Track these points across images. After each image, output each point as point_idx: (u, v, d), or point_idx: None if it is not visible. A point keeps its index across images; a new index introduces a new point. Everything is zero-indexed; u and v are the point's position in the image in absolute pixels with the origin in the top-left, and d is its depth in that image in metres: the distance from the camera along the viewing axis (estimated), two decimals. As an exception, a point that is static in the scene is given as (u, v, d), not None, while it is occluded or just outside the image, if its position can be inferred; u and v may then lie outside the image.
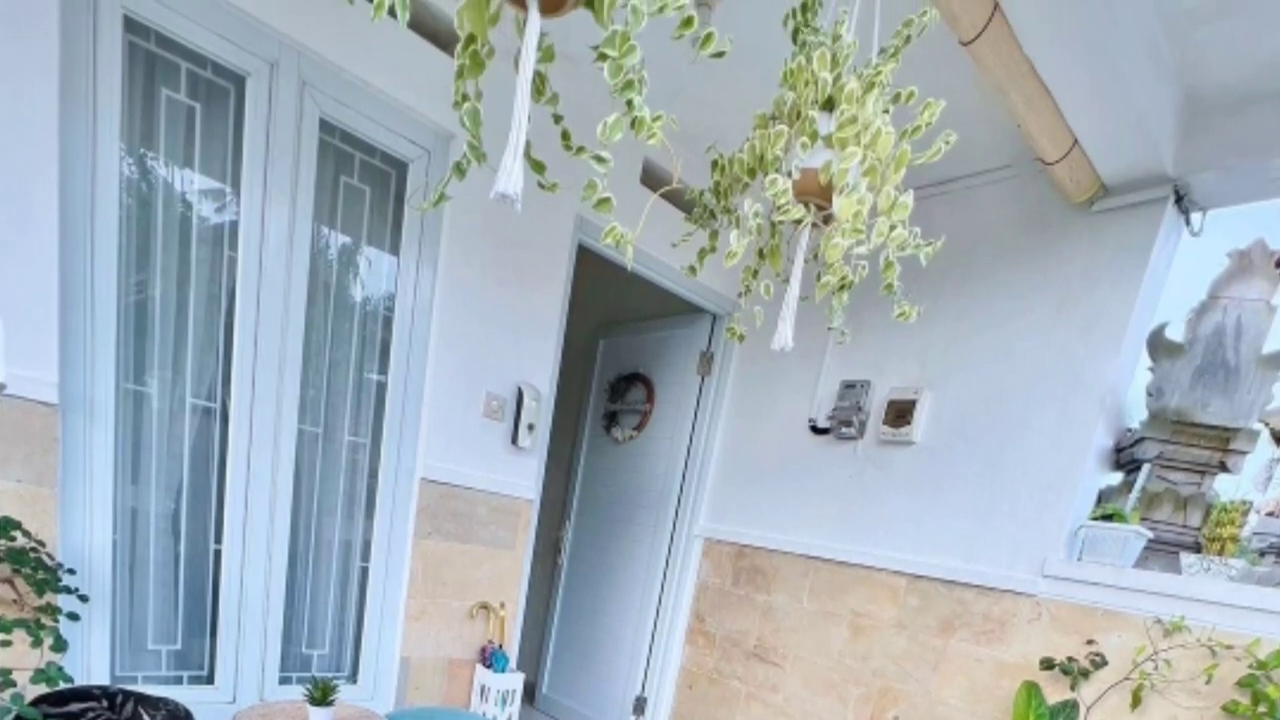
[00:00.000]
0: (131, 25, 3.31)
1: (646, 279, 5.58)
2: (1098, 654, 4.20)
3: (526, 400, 4.86)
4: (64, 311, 3.30)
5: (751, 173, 2.66)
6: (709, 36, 1.87)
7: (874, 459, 5.26)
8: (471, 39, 1.89)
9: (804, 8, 2.51)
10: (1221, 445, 4.18)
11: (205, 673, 4.21)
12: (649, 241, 5.07)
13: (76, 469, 3.50)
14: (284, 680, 4.46)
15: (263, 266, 3.83)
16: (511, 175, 1.73)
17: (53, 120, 3.10)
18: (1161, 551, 4.29)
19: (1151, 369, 4.38)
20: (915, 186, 4.11)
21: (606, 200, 1.99)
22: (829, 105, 2.43)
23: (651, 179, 5.15)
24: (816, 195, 2.48)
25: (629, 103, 1.86)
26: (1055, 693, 4.35)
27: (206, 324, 3.79)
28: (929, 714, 4.94)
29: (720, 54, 1.90)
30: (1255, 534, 4.17)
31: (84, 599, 3.48)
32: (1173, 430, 4.26)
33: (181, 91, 3.52)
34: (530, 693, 7.65)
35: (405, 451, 4.57)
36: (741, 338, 3.18)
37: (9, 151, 3.03)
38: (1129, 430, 4.46)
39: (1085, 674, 4.24)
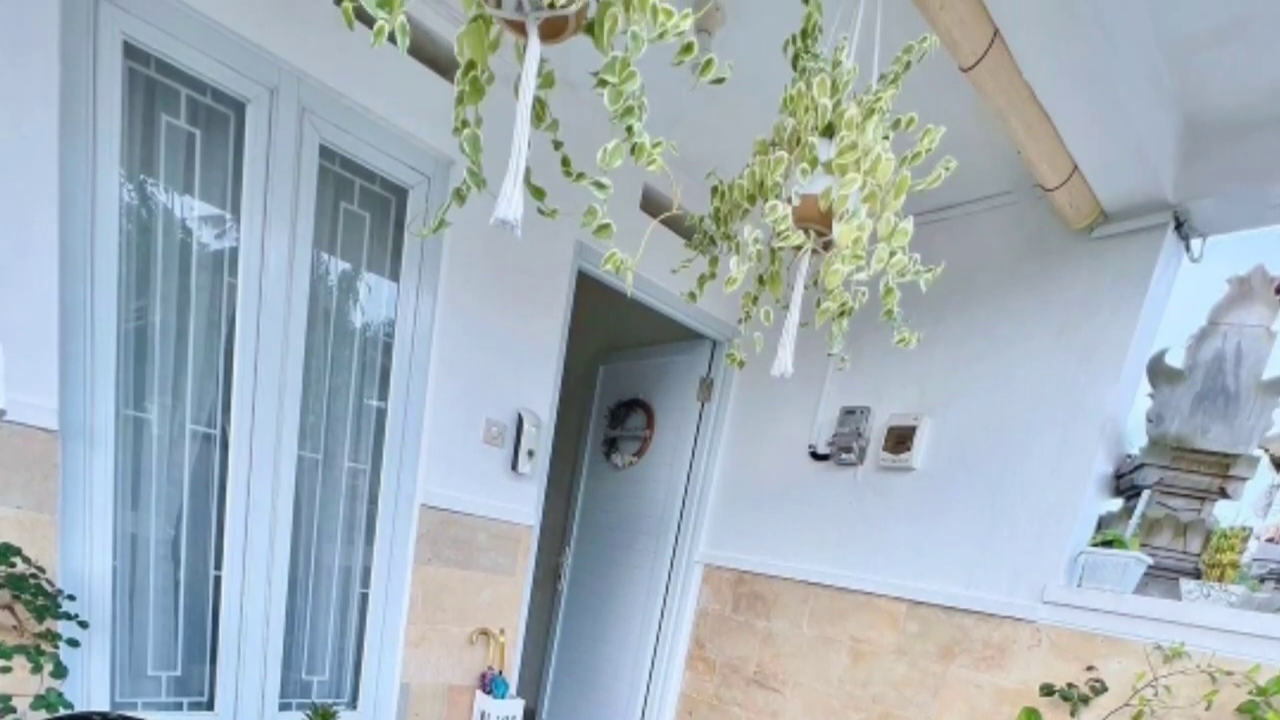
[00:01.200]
0: (131, 51, 3.30)
1: (646, 305, 5.57)
2: (1098, 680, 4.18)
3: (526, 426, 4.85)
4: (64, 337, 3.28)
5: (751, 199, 2.66)
6: (709, 63, 1.87)
7: (874, 485, 5.25)
8: (471, 65, 1.88)
9: (804, 34, 2.51)
10: (1221, 471, 4.17)
11: (205, 699, 4.17)
12: (649, 268, 5.07)
13: (76, 495, 3.48)
14: (284, 706, 4.43)
15: (263, 293, 3.82)
16: (511, 201, 1.73)
17: (53, 146, 3.10)
18: (1161, 578, 4.27)
19: (1151, 395, 4.37)
20: (915, 213, 4.11)
21: (606, 226, 1.98)
22: (829, 131, 2.43)
23: (651, 205, 5.16)
24: (816, 221, 2.48)
25: (629, 129, 1.86)
26: (1055, 719, 4.33)
27: (206, 350, 3.78)
28: (930, 741, 4.92)
29: (720, 80, 1.89)
30: (1255, 560, 4.15)
31: (84, 625, 3.46)
32: (1173, 456, 4.24)
33: (181, 118, 3.51)
34: (530, 719, 7.61)
35: (405, 477, 4.55)
36: (741, 364, 3.17)
37: (9, 178, 3.02)
38: (1129, 456, 4.45)
39: (1085, 700, 4.21)
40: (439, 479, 4.62)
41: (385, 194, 4.21)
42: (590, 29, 1.78)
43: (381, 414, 4.44)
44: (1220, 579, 3.98)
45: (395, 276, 4.32)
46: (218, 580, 4.07)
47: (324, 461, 4.30)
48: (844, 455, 5.30)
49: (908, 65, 2.48)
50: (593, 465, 7.49)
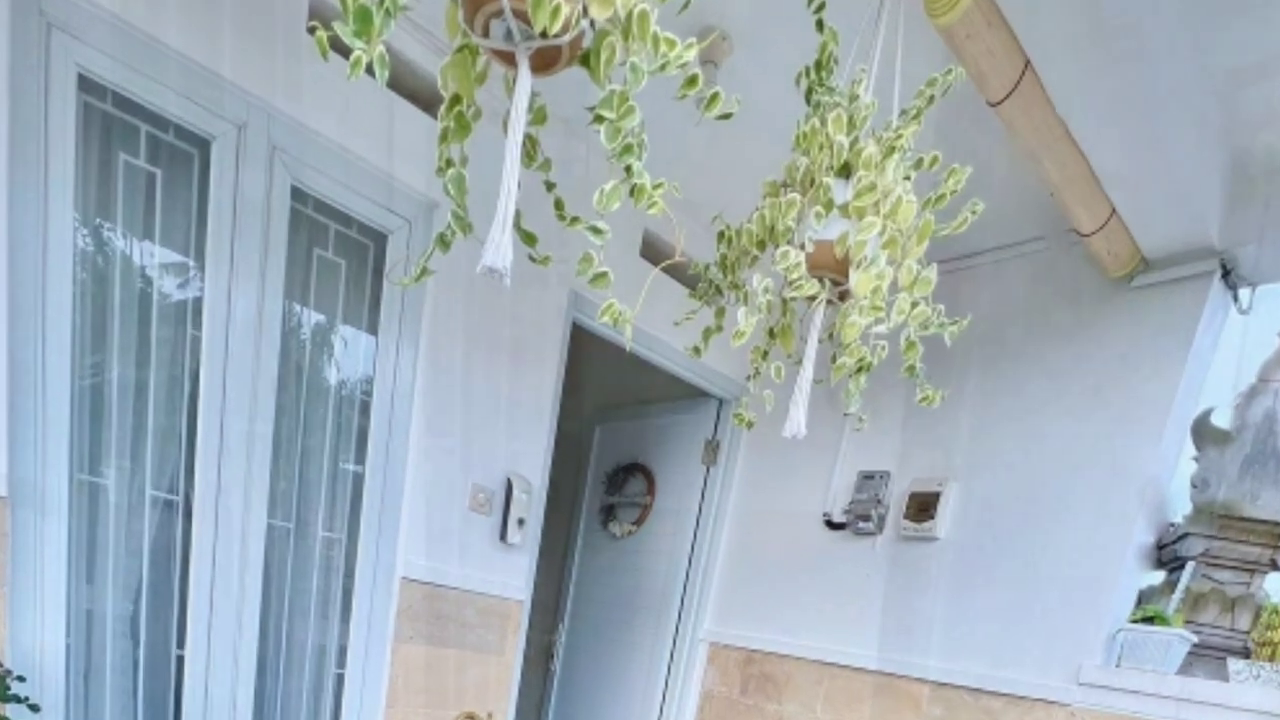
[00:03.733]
0: (86, 84, 3.28)
1: (647, 361, 5.56)
2: (1139, 770, 4.14)
3: (516, 492, 4.82)
4: (13, 395, 3.25)
5: (761, 245, 2.64)
6: (714, 97, 1.85)
7: (894, 556, 5.21)
8: (456, 99, 1.87)
9: (818, 65, 2.50)
10: (1272, 541, 4.13)
11: (167, 790, 4.12)
12: (649, 320, 5.04)
13: (27, 567, 3.44)
14: (252, 798, 4.38)
15: (229, 347, 3.80)
16: (500, 247, 1.71)
17: (0, 187, 3.08)
18: (1207, 657, 4.22)
19: (1196, 458, 4.34)
20: (939, 260, 4.11)
21: (604, 275, 1.97)
22: (845, 171, 2.42)
23: (652, 252, 5.15)
24: (832, 269, 2.46)
25: (628, 169, 1.84)
26: (1094, 813, 4.29)
27: (168, 409, 3.76)
28: (956, 837, 4.86)
29: (727, 115, 1.88)
30: (1309, 639, 4.13)
31: (35, 709, 3.41)
32: (1219, 525, 4.21)
33: (141, 156, 3.50)
34: (520, 812, 7.55)
35: (384, 548, 4.51)
36: (750, 425, 3.14)
37: (-48, 223, 3.01)
38: (1172, 525, 4.41)
39: (1125, 792, 4.17)
40: (421, 550, 4.58)
41: (363, 240, 4.21)
42: (586, 60, 1.77)
43: (359, 479, 4.42)
44: (1271, 658, 3.95)
45: (373, 329, 4.31)
46: (180, 660, 4.02)
47: (296, 531, 4.28)
48: (862, 524, 5.28)
49: (931, 100, 2.47)
50: (588, 535, 7.46)
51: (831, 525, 5.54)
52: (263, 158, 3.72)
